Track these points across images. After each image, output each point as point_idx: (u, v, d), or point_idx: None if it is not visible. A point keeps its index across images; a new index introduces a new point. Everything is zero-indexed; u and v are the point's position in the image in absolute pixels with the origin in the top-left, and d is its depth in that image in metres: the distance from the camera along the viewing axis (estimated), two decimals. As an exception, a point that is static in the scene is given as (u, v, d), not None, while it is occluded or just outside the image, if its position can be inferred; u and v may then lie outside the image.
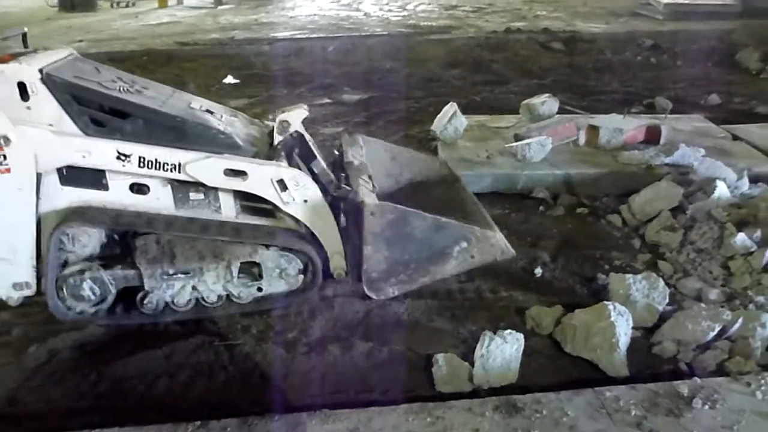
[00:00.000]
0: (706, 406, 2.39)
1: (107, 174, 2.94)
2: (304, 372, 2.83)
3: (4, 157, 2.73)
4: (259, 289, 3.16)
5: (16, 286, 2.95)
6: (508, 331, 2.79)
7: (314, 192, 3.08)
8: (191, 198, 3.07)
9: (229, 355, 2.92)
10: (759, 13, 12.96)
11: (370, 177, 3.29)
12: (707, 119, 5.95)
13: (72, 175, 2.90)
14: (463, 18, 14.01)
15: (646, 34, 11.07)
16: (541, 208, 4.45)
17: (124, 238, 3.10)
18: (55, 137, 2.80)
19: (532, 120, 5.54)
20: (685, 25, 11.97)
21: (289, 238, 3.08)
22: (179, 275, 3.06)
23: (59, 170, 2.87)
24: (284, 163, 3.10)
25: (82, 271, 2.98)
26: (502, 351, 2.72)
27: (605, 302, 2.96)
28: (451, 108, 5.33)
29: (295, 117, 3.30)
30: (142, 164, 2.90)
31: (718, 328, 2.89)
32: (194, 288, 3.10)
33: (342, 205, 3.21)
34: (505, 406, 2.44)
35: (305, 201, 3.06)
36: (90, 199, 2.96)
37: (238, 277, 3.11)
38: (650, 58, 9.57)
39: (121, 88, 3.05)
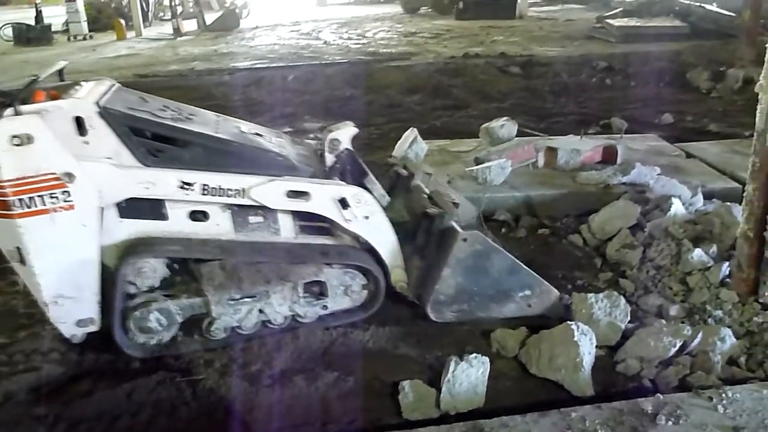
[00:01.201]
0: (670, 422, 2.41)
1: (166, 203, 2.96)
2: (268, 405, 2.78)
3: (68, 193, 2.71)
4: (324, 307, 3.24)
5: (81, 322, 2.95)
6: (474, 355, 2.79)
7: (375, 208, 3.18)
8: (250, 222, 3.13)
9: (191, 391, 2.86)
10: (706, 35, 13.42)
11: (455, 203, 3.35)
12: (661, 138, 6.10)
13: (130, 208, 2.92)
14: (422, 44, 14.21)
15: (600, 56, 11.36)
16: (503, 230, 4.48)
17: (184, 267, 3.10)
18: (118, 171, 2.80)
19: (492, 143, 5.60)
20: (637, 47, 12.34)
21: (359, 255, 3.20)
22: (246, 299, 3.08)
23: (118, 203, 2.87)
24: (342, 182, 3.19)
25: (148, 303, 2.99)
26: (468, 375, 2.72)
27: (568, 322, 2.98)
28: (411, 133, 5.37)
29: (345, 135, 3.38)
30: (205, 191, 2.93)
31: (679, 344, 2.93)
32: (260, 311, 3.14)
33: (424, 224, 3.29)
34: (473, 430, 2.43)
35: (366, 217, 3.15)
36: (149, 230, 2.98)
37: (303, 297, 3.17)
38: (605, 79, 9.80)
39: (173, 117, 3.06)
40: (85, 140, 2.77)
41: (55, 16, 17.84)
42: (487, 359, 2.80)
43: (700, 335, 2.96)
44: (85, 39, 17.04)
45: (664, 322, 3.15)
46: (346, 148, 3.39)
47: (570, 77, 9.97)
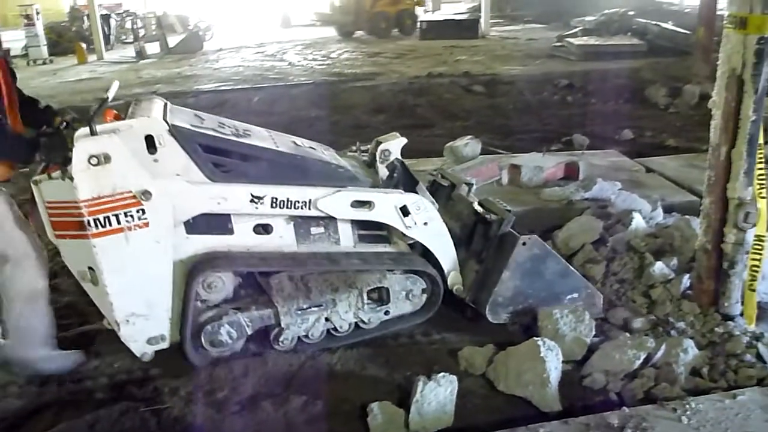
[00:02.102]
0: (636, 435, 2.44)
1: (232, 218, 3.01)
2: (236, 432, 2.74)
3: (143, 211, 2.73)
4: (387, 313, 3.32)
5: (152, 340, 2.96)
6: (442, 374, 2.79)
7: (434, 214, 3.29)
8: (312, 233, 3.21)
9: (156, 421, 2.79)
10: (663, 52, 13.78)
11: (509, 210, 3.40)
12: (622, 154, 6.21)
13: (198, 223, 2.95)
14: (386, 64, 14.33)
15: (561, 74, 11.59)
16: (469, 247, 4.50)
17: (250, 280, 3.17)
18: (191, 187, 2.83)
19: (457, 162, 5.66)
20: (596, 65, 12.61)
21: (421, 260, 3.33)
22: (313, 308, 3.15)
23: (185, 220, 2.90)
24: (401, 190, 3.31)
25: (219, 317, 3.03)
26: (437, 395, 2.71)
27: (535, 338, 3.00)
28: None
29: (395, 145, 3.51)
30: (274, 204, 2.98)
31: (643, 356, 2.97)
32: (327, 319, 3.20)
33: (480, 229, 3.39)
34: (442, 450, 2.43)
35: (425, 223, 3.26)
36: (215, 245, 3.02)
37: (367, 304, 3.26)
38: (566, 97, 9.99)
39: (233, 133, 3.11)
40: (155, 158, 2.79)
41: (14, 41, 17.56)
42: (455, 378, 2.80)
43: (663, 347, 3.00)
44: (45, 63, 16.82)
45: (628, 335, 3.19)
46: (396, 158, 3.53)
47: (532, 95, 10.14)
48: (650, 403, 2.71)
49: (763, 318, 3.37)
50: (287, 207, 3.01)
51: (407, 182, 3.57)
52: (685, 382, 2.88)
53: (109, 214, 2.68)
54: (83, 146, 2.61)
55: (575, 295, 3.40)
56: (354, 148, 3.91)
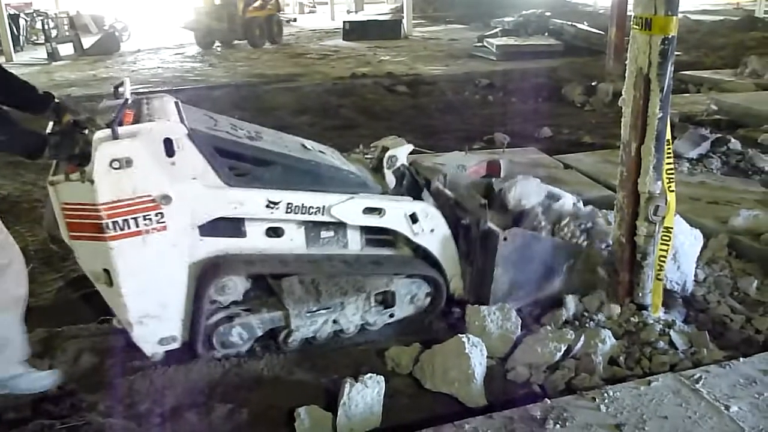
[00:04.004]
0: (558, 426, 2.49)
1: (245, 221, 3.04)
2: (158, 445, 2.66)
3: (161, 215, 2.73)
4: (391, 315, 3.42)
5: (163, 341, 2.98)
6: (369, 375, 2.78)
7: (440, 221, 3.38)
8: (322, 236, 3.27)
9: (73, 438, 2.69)
10: (579, 52, 14.26)
11: (483, 205, 3.45)
12: (541, 151, 6.38)
13: (212, 226, 2.95)
14: (309, 65, 14.26)
15: (482, 74, 11.82)
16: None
17: (260, 282, 3.21)
18: (209, 192, 2.85)
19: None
20: (516, 65, 12.93)
21: (426, 265, 3.41)
22: (322, 311, 3.20)
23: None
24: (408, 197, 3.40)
25: (230, 318, 3.08)
26: (364, 396, 2.71)
27: (459, 335, 3.04)
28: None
29: (402, 152, 3.58)
30: (289, 210, 3.03)
31: (564, 348, 3.05)
32: (335, 321, 3.27)
33: (461, 231, 3.44)
34: (369, 452, 2.42)
35: (432, 230, 3.35)
36: (226, 248, 3.04)
37: (373, 307, 3.34)
38: (487, 96, 10.19)
39: (247, 136, 3.14)
40: (172, 161, 2.77)
41: None
42: (382, 378, 2.80)
43: (582, 338, 3.10)
44: (-53, 65, 15.87)
45: (549, 328, 3.28)
46: (402, 164, 3.60)
47: (454, 95, 10.30)
48: (571, 393, 2.78)
49: (674, 306, 3.52)
50: (301, 212, 3.07)
51: (412, 188, 3.64)
52: (603, 371, 2.98)
53: (128, 217, 2.68)
54: (106, 150, 2.58)
55: (572, 260, 3.54)
56: (358, 150, 3.93)
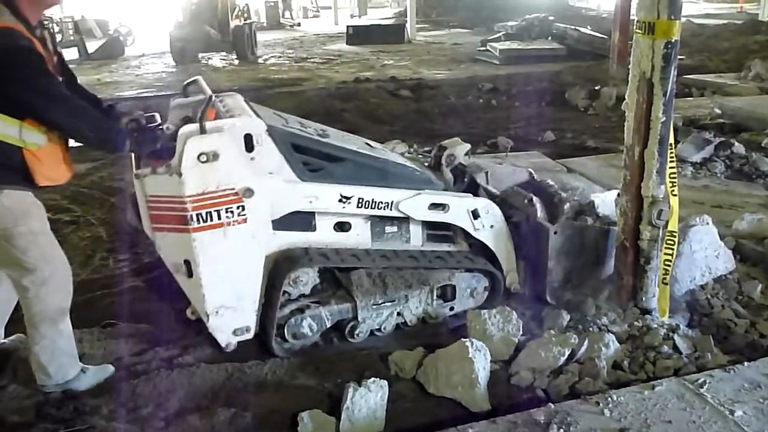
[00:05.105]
0: (562, 430, 2.49)
1: (316, 215, 3.16)
2: (161, 449, 2.66)
3: (242, 208, 2.82)
4: (452, 309, 3.53)
5: (237, 331, 3.04)
6: (372, 379, 2.78)
7: (500, 217, 3.48)
8: (386, 231, 3.38)
9: (76, 442, 2.69)
10: (582, 56, 14.25)
11: (530, 200, 3.50)
12: (544, 155, 6.39)
13: (285, 220, 3.05)
14: (313, 70, 14.27)
15: (485, 78, 11.81)
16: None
17: (328, 275, 3.32)
18: (287, 186, 2.98)
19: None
20: (519, 69, 12.91)
21: (487, 261, 3.50)
22: (387, 303, 3.31)
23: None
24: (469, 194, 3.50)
25: (302, 310, 3.19)
26: (367, 400, 2.71)
27: (463, 340, 3.03)
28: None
29: (460, 150, 3.69)
30: (360, 204, 3.16)
31: (567, 353, 3.05)
32: (399, 314, 3.38)
33: (511, 225, 3.54)
34: (373, 456, 2.42)
35: (492, 226, 3.46)
36: (296, 241, 3.16)
37: (435, 300, 3.45)
38: (491, 100, 10.18)
39: (317, 133, 3.25)
40: (251, 156, 2.88)
41: None
42: (385, 383, 2.80)
43: (586, 343, 3.09)
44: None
45: (553, 332, 3.27)
46: (460, 162, 3.68)
47: (458, 99, 10.30)
48: (575, 398, 2.78)
49: (678, 310, 3.51)
50: (371, 207, 3.19)
51: (470, 186, 3.72)
52: (607, 375, 2.97)
53: (212, 209, 2.77)
54: (194, 144, 2.68)
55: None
56: (411, 150, 4.02)
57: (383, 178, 3.29)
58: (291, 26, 26.66)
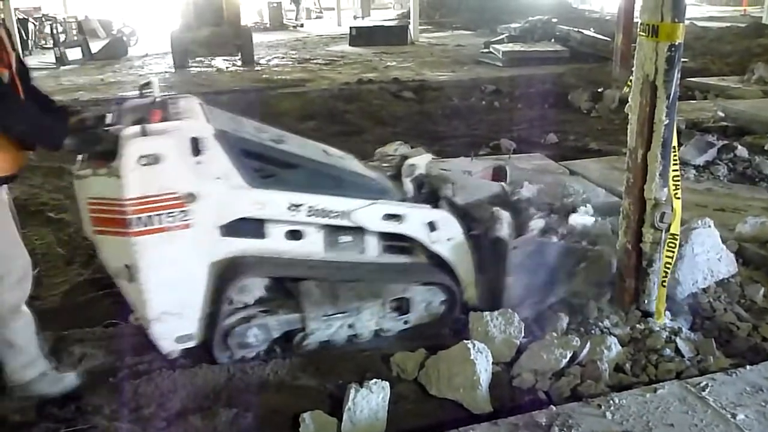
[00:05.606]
0: (563, 433, 2.49)
1: (267, 223, 3.07)
2: (162, 449, 2.66)
3: (185, 212, 2.76)
4: (406, 322, 3.42)
5: (180, 339, 3.00)
6: (374, 380, 2.78)
7: (457, 230, 3.37)
8: (340, 241, 3.28)
9: (77, 442, 2.69)
10: (585, 58, 14.25)
11: (493, 213, 3.48)
12: (547, 157, 6.38)
13: (234, 226, 2.96)
14: (316, 71, 14.28)
15: (488, 80, 11.82)
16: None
17: (277, 284, 3.23)
18: (234, 192, 2.88)
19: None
20: (522, 71, 12.92)
21: (443, 273, 3.40)
22: (338, 315, 3.22)
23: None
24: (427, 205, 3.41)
25: (248, 319, 3.09)
26: (369, 402, 2.71)
27: (465, 341, 3.03)
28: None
29: (421, 161, 3.63)
30: (310, 213, 3.06)
31: (569, 355, 3.05)
32: (350, 326, 3.28)
33: (473, 242, 3.43)
34: (374, 458, 2.42)
35: (449, 239, 3.35)
36: (246, 248, 3.05)
37: (389, 313, 3.36)
38: (493, 102, 10.18)
39: (271, 139, 3.17)
40: (198, 161, 2.79)
41: None
42: (387, 384, 2.80)
43: (588, 345, 3.09)
44: (-43, 70, 15.96)
45: (555, 334, 3.27)
46: (421, 173, 3.63)
47: (461, 101, 10.30)
48: (577, 400, 2.77)
49: (680, 313, 3.51)
50: (323, 216, 3.10)
51: (430, 197, 3.65)
52: (609, 378, 2.97)
53: (153, 213, 2.71)
54: (135, 146, 2.63)
55: (583, 264, 3.53)
56: (375, 159, 3.98)
57: (337, 186, 3.19)
58: (294, 27, 26.68)
